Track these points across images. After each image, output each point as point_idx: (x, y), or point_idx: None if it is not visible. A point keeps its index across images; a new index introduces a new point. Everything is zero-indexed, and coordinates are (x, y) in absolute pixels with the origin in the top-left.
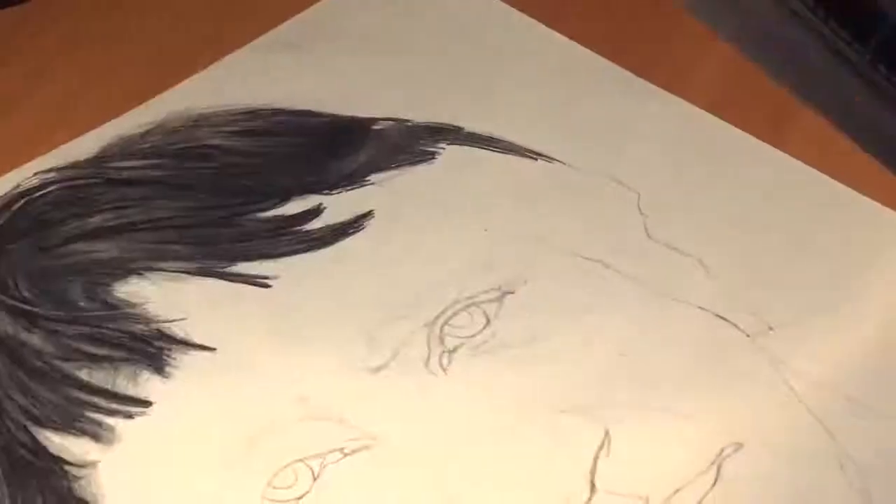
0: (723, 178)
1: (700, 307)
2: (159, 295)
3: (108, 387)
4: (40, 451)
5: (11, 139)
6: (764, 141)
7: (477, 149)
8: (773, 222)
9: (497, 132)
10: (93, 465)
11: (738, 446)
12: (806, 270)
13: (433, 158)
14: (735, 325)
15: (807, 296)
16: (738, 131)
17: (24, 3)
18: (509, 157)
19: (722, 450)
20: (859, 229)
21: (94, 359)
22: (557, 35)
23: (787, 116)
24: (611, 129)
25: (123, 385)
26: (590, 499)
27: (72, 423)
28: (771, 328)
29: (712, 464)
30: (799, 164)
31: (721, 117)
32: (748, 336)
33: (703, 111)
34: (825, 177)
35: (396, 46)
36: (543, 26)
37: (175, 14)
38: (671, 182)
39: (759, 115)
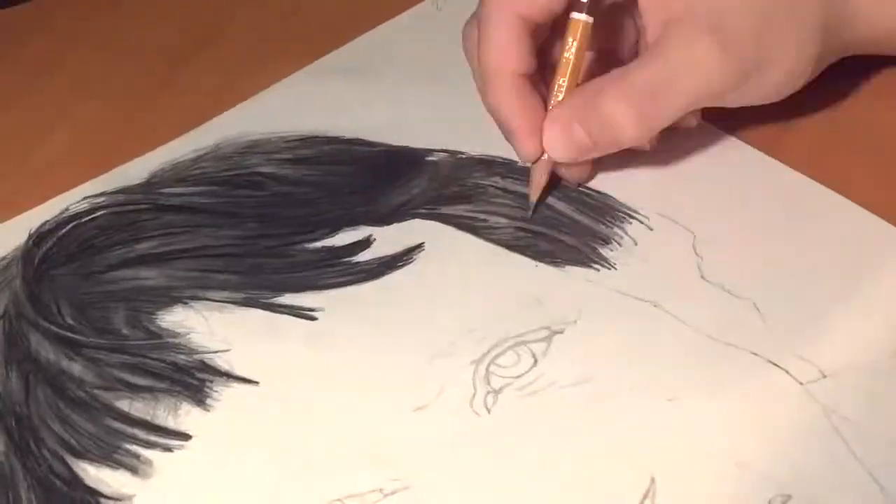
0: (779, 220)
1: (753, 352)
2: (203, 325)
3: (148, 418)
4: (76, 482)
5: (11, 136)
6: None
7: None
8: (828, 266)
9: None
10: (129, 498)
11: (787, 498)
12: (860, 316)
13: (485, 192)
14: (787, 372)
15: (861, 343)
16: (796, 173)
17: (24, 3)
18: None
19: (769, 501)
20: None
21: (135, 389)
22: None
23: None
24: (666, 167)
25: (163, 417)
26: None
27: (109, 455)
28: (824, 375)
29: None
30: (857, 208)
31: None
32: (801, 384)
33: (759, 152)
34: (884, 223)
35: (451, 76)
36: None
37: (175, 14)
38: (727, 223)
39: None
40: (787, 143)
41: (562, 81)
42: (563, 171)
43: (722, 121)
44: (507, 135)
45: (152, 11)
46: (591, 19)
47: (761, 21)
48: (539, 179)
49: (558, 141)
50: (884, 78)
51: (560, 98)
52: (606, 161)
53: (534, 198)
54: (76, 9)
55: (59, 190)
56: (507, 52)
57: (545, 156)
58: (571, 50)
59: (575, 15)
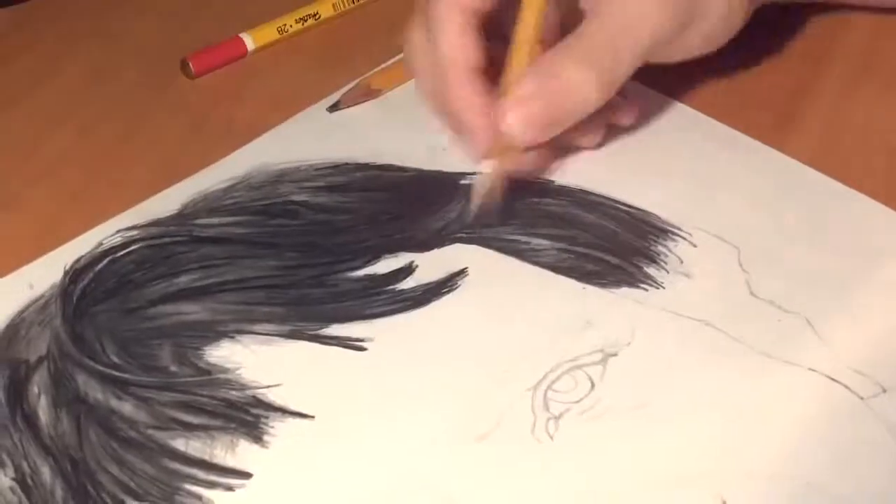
0: (819, 229)
1: (810, 369)
2: (252, 359)
3: (206, 458)
4: None
5: (13, 136)
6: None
7: (568, 202)
8: (874, 276)
9: (587, 185)
10: None
11: None
12: None
13: (523, 214)
14: (847, 387)
15: None
16: (834, 182)
17: (24, 3)
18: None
19: None
20: None
21: (190, 427)
22: (641, 86)
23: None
24: (702, 179)
25: (221, 455)
26: None
27: (171, 497)
28: (884, 389)
29: None
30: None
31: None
32: (861, 398)
33: (794, 160)
34: None
35: None
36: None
37: (176, 13)
38: (770, 236)
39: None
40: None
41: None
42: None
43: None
44: (465, 132)
45: (153, 11)
46: None
47: None
48: (497, 175)
49: (518, 120)
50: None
51: (515, 73)
52: (642, 176)
53: (479, 198)
54: (76, 9)
55: (63, 189)
56: (460, 46)
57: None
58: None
59: None
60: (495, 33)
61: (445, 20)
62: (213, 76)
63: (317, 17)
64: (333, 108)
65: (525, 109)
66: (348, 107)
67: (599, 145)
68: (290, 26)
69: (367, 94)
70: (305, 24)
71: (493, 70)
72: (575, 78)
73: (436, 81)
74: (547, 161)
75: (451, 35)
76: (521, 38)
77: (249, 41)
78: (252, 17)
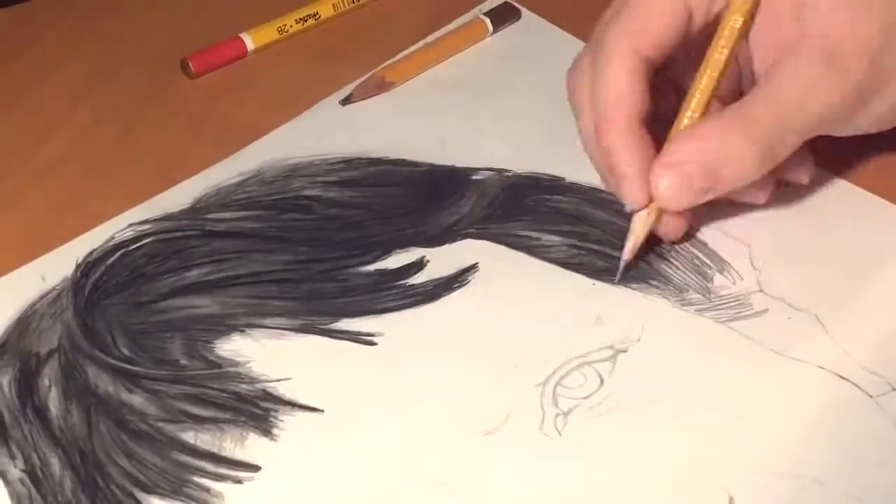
0: (828, 228)
1: (819, 366)
2: (262, 353)
3: (215, 450)
4: None
5: (13, 136)
6: None
7: (579, 200)
8: (888, 274)
9: (598, 182)
10: None
11: None
12: None
13: (534, 210)
14: (857, 385)
15: None
16: (845, 182)
17: (24, 3)
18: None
19: None
20: None
21: (200, 420)
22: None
23: None
24: None
25: (230, 448)
26: None
27: (180, 489)
28: (893, 388)
29: None
30: None
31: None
32: (871, 396)
33: None
34: None
35: (494, 94)
36: None
37: (177, 13)
38: (781, 234)
39: None
40: None
41: (695, 101)
42: (661, 228)
43: None
44: (617, 180)
45: (153, 11)
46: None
47: (877, 45)
48: (640, 234)
49: (670, 184)
50: None
51: (695, 116)
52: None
53: (629, 255)
54: (76, 9)
55: (63, 189)
56: (628, 91)
57: (646, 212)
58: (724, 51)
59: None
60: (661, 83)
61: (616, 61)
62: (213, 76)
63: (317, 17)
64: (346, 101)
65: (678, 174)
66: (361, 99)
67: (767, 203)
68: (290, 26)
69: (380, 86)
70: (305, 24)
71: (652, 120)
72: (736, 149)
73: (594, 120)
74: (683, 229)
75: (619, 77)
76: (699, 88)
77: (249, 41)
78: (252, 17)
